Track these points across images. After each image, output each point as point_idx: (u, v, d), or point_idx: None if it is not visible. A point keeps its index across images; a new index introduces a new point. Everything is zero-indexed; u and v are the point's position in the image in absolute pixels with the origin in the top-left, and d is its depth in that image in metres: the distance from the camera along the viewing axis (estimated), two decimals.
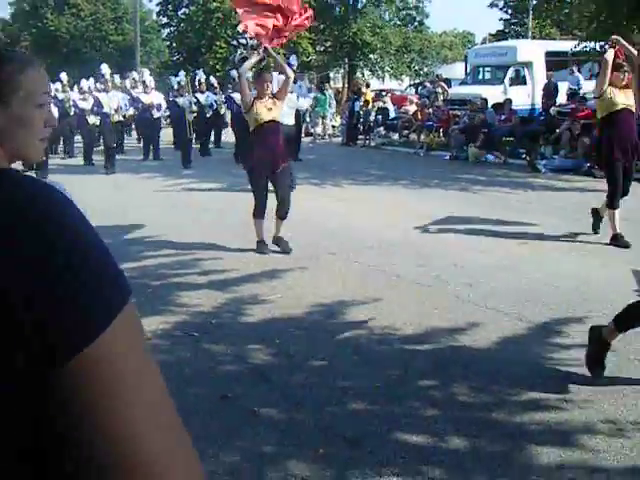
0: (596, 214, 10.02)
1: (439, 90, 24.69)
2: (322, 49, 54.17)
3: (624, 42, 9.10)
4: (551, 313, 6.66)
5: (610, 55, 9.18)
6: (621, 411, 4.71)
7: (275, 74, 11.45)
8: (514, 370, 5.39)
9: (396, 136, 25.66)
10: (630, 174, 9.53)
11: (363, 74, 48.82)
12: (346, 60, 50.22)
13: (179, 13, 49.04)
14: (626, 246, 9.20)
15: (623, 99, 9.16)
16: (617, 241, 9.35)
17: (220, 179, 15.81)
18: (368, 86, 29.99)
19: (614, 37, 9.43)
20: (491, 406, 4.80)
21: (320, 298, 7.10)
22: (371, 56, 51.05)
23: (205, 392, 5.00)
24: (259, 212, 9.22)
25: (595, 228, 9.96)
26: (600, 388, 5.04)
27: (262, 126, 8.88)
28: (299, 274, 8.07)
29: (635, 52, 8.91)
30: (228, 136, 21.84)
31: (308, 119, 26.64)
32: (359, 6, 51.62)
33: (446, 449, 4.27)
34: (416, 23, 55.40)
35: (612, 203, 9.42)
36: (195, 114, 20.80)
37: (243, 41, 34.31)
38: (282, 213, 9.22)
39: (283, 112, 10.40)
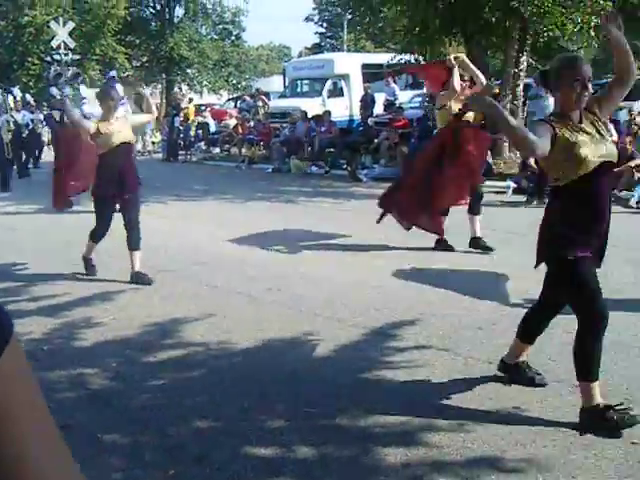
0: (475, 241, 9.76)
1: (259, 104, 24.87)
2: (139, 64, 53.45)
3: (468, 62, 9.39)
4: (384, 319, 6.84)
5: (456, 77, 9.37)
6: (460, 407, 4.90)
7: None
8: (355, 376, 5.50)
9: (217, 150, 25.64)
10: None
11: (181, 89, 48.43)
12: (163, 75, 49.76)
13: None
14: (489, 249, 9.48)
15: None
16: (478, 244, 9.59)
17: (41, 200, 15.25)
18: (191, 101, 29.88)
19: (456, 56, 9.63)
20: (335, 413, 4.88)
21: (154, 318, 6.97)
22: (189, 70, 50.82)
23: None
24: (97, 237, 8.54)
25: (488, 248, 9.62)
26: (439, 388, 5.23)
27: (115, 149, 8.17)
28: (131, 294, 7.90)
29: (479, 73, 9.32)
30: (48, 155, 21.11)
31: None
32: (175, 21, 51.34)
33: (294, 459, 4.30)
34: (233, 37, 55.64)
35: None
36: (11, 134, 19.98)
37: (57, 57, 33.26)
38: (135, 243, 8.41)
39: None
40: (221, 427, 4.73)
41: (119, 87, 12.88)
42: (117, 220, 8.43)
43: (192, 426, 4.74)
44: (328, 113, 22.28)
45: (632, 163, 14.07)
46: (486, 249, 9.52)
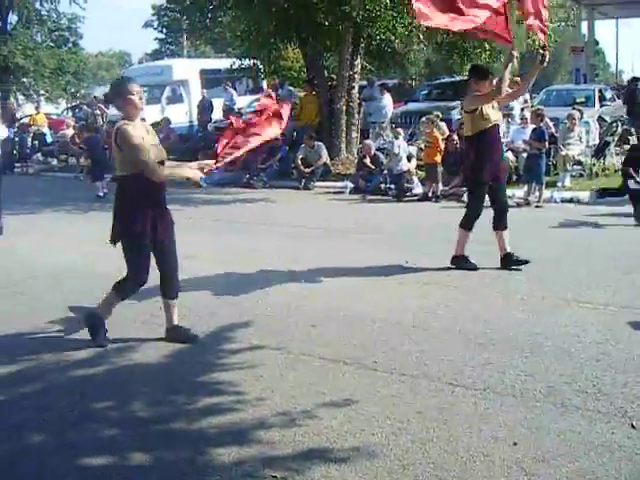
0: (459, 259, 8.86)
1: (97, 112, 24.36)
2: None
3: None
4: (216, 322, 6.91)
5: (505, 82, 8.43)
6: (292, 403, 5.02)
7: None
8: (189, 380, 5.53)
9: (55, 162, 24.96)
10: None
11: (17, 99, 46.94)
12: None
13: None
14: (474, 268, 8.65)
15: (493, 114, 8.58)
16: (465, 263, 8.73)
17: None
18: (37, 109, 29.24)
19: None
20: (170, 417, 4.91)
21: None
22: (24, 79, 49.24)
23: None
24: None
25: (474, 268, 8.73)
26: (271, 385, 5.33)
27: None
28: None
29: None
30: None
31: None
32: (8, 28, 49.64)
33: (129, 466, 4.32)
34: (70, 44, 54.30)
35: (468, 224, 8.74)
36: None
37: None
38: (175, 290, 6.58)
39: None
40: (56, 440, 4.67)
41: None
42: None
43: (23, 443, 4.66)
44: (167, 120, 22.12)
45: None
46: (520, 263, 8.64)
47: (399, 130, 16.60)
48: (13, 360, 6.11)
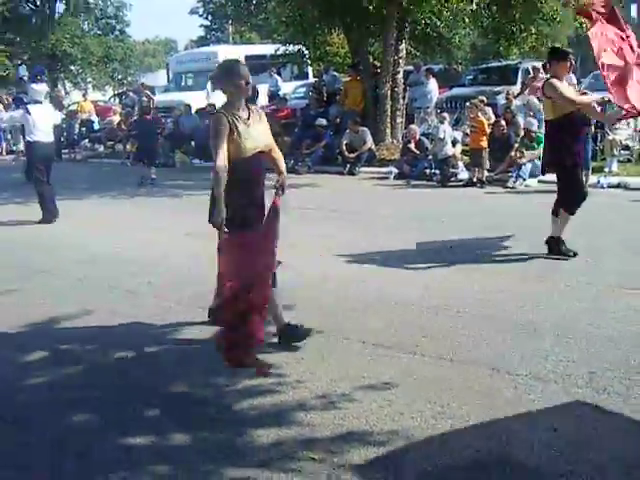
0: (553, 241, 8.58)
1: (144, 99, 24.53)
2: (20, 62, 52.10)
3: None
4: None
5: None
6: (332, 386, 5.04)
7: None
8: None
9: (102, 148, 25.23)
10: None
11: (65, 86, 47.47)
12: (46, 72, 48.59)
13: None
14: (572, 255, 8.40)
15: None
16: (559, 246, 8.49)
17: None
18: (85, 96, 29.58)
19: None
20: (211, 399, 4.97)
21: (30, 318, 6.87)
22: (72, 67, 49.78)
23: None
24: None
25: (567, 253, 8.45)
26: (310, 367, 5.36)
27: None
28: (10, 295, 7.76)
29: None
30: None
31: (9, 136, 25.57)
32: (56, 16, 50.19)
33: (171, 446, 4.39)
34: (117, 32, 54.77)
35: (572, 208, 8.50)
36: None
37: None
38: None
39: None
40: (100, 420, 4.76)
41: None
42: None
43: (73, 421, 4.76)
44: (212, 106, 22.18)
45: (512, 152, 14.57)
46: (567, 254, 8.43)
47: (445, 115, 16.47)
48: (58, 341, 6.22)
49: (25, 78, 16.92)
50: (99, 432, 4.59)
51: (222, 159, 5.35)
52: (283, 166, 6.14)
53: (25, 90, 13.04)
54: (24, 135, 12.87)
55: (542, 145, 14.73)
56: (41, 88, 12.62)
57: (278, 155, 6.08)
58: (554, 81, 8.23)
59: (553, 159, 8.61)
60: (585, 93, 9.39)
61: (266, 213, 5.72)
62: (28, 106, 12.22)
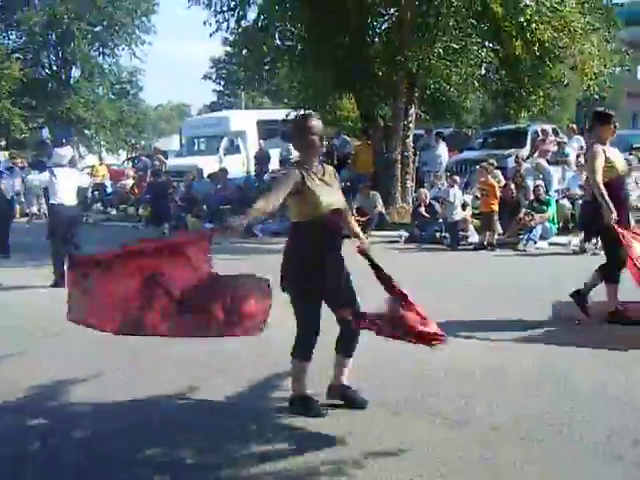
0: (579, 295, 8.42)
1: (157, 163, 24.80)
2: (35, 126, 52.83)
3: None
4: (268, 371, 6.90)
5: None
6: (343, 453, 4.99)
7: None
8: (240, 426, 5.53)
9: (114, 211, 25.43)
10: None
11: (79, 150, 48.03)
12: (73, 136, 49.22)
13: None
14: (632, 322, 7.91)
15: (622, 164, 8.36)
16: (618, 316, 8.12)
17: None
18: (101, 160, 29.96)
19: None
20: (222, 465, 4.91)
21: (41, 380, 6.88)
22: (86, 131, 50.45)
23: None
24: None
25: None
26: (318, 432, 5.33)
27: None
28: (19, 358, 7.75)
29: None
30: None
31: (23, 199, 25.78)
32: (72, 81, 51.07)
33: None
34: (130, 97, 55.58)
35: (614, 276, 8.18)
36: None
37: None
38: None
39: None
40: None
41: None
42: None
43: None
44: (224, 171, 22.42)
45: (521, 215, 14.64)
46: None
47: (455, 178, 16.55)
48: (65, 406, 6.19)
49: (47, 140, 17.01)
50: None
51: (270, 204, 5.22)
52: (359, 229, 6.07)
53: (44, 153, 12.96)
54: (47, 198, 12.95)
55: (552, 207, 14.86)
56: (66, 152, 12.62)
57: (352, 218, 5.99)
58: (596, 149, 7.98)
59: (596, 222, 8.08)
60: None
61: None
62: (53, 169, 12.16)
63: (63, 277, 11.58)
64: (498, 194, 15.07)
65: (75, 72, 51.76)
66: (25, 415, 6.04)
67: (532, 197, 15.16)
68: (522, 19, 17.15)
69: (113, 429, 5.67)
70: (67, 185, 12.06)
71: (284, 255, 5.67)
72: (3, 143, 45.02)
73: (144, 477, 4.81)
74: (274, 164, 25.18)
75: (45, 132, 18.39)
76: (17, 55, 48.21)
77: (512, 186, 15.45)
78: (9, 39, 51.04)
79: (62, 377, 6.93)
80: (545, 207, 14.68)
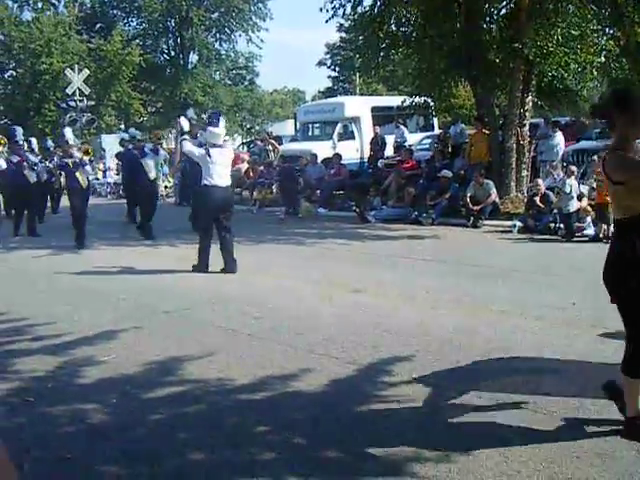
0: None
1: (269, 147, 25.11)
2: (154, 110, 54.19)
3: None
4: (380, 354, 6.97)
5: None
6: (447, 440, 5.01)
7: None
8: (346, 410, 5.63)
9: None
10: None
11: (196, 134, 48.95)
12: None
13: (6, 75, 47.75)
14: None
15: None
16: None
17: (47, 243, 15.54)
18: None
19: None
20: (326, 444, 5.00)
21: (155, 356, 7.10)
22: (203, 116, 51.32)
23: (44, 455, 4.96)
24: None
25: None
26: (427, 419, 5.35)
27: None
28: (134, 334, 8.02)
29: None
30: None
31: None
32: (189, 67, 52.16)
33: None
34: (246, 82, 56.38)
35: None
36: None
37: (72, 104, 33.76)
38: None
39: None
40: (215, 460, 4.86)
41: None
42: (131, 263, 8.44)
43: (187, 459, 4.88)
44: (338, 156, 22.54)
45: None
46: None
47: (572, 168, 16.20)
48: (181, 382, 6.41)
49: (193, 120, 17.22)
50: (212, 471, 4.70)
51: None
52: None
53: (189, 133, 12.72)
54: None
55: None
56: (221, 131, 12.09)
57: None
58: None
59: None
60: None
61: None
62: (209, 149, 11.74)
63: (205, 265, 11.79)
64: None
65: (193, 58, 52.98)
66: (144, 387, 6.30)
67: None
68: None
69: (226, 405, 5.85)
70: (221, 165, 11.82)
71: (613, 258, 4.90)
72: (122, 126, 46.27)
73: (252, 454, 4.93)
74: (389, 150, 25.18)
75: (190, 112, 18.55)
76: (137, 41, 49.49)
77: None
78: (129, 25, 52.60)
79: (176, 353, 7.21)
80: None
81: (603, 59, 17.95)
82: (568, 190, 15.20)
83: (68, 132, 16.81)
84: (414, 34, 20.36)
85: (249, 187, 24.43)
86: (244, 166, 25.97)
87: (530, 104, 19.34)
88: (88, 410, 5.76)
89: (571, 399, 5.67)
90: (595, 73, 18.54)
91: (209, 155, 11.66)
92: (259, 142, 29.58)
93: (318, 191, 21.68)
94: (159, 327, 8.36)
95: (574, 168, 16.36)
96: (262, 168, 24.20)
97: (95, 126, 37.74)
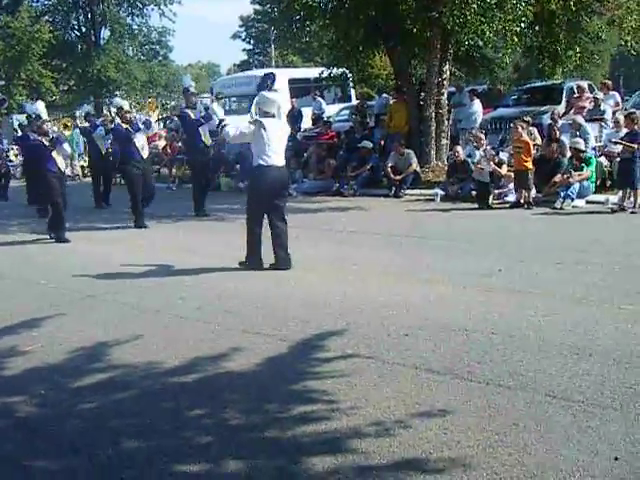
0: None
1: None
2: (66, 88, 52.99)
3: None
4: (311, 330, 6.91)
5: None
6: (386, 413, 4.98)
7: None
8: (282, 388, 5.55)
9: None
10: None
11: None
12: (91, 98, 49.32)
13: None
14: None
15: None
16: None
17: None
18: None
19: None
20: (263, 426, 4.91)
21: (82, 342, 6.92)
22: (117, 92, 50.47)
23: None
24: None
25: None
26: (364, 394, 5.31)
27: None
28: (59, 320, 7.82)
29: None
30: None
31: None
32: (101, 43, 51.11)
33: (223, 473, 4.34)
34: (160, 57, 55.57)
35: None
36: None
37: None
38: None
39: None
40: (152, 447, 4.73)
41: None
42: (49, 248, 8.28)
43: (123, 447, 4.74)
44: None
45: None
46: None
47: (481, 138, 16.26)
48: (110, 368, 6.24)
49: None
50: (149, 460, 4.56)
51: None
52: None
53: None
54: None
55: (592, 165, 14.64)
56: (276, 96, 10.13)
57: None
58: None
59: None
60: None
61: None
62: (262, 120, 9.54)
63: (260, 263, 9.92)
64: (532, 151, 14.86)
65: (104, 33, 51.90)
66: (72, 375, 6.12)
67: (569, 154, 14.94)
68: None
69: (158, 389, 5.72)
70: (278, 141, 9.72)
71: None
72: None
73: (189, 439, 4.82)
74: (306, 123, 25.06)
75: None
76: (46, 17, 48.26)
77: (553, 145, 15.24)
78: (38, 1, 51.13)
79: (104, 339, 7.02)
80: (585, 165, 14.47)
81: (523, 25, 18.04)
82: (477, 160, 15.36)
83: (40, 105, 14.43)
84: (330, 5, 20.20)
85: (167, 164, 24.06)
86: (161, 143, 25.57)
87: (448, 73, 19.43)
88: (15, 403, 5.55)
89: (503, 365, 5.70)
90: (516, 39, 18.63)
91: (264, 128, 9.47)
92: (175, 118, 29.13)
93: (238, 165, 21.45)
94: (83, 313, 8.14)
95: (482, 136, 16.40)
96: (180, 144, 23.84)
97: (6, 106, 36.65)
